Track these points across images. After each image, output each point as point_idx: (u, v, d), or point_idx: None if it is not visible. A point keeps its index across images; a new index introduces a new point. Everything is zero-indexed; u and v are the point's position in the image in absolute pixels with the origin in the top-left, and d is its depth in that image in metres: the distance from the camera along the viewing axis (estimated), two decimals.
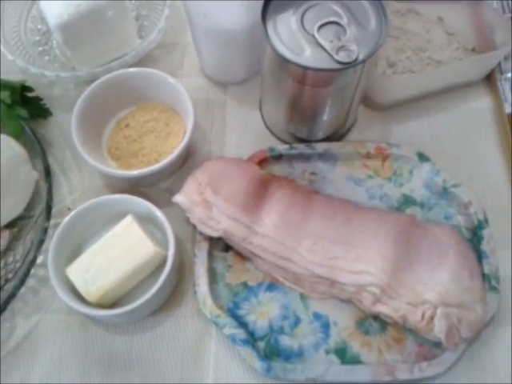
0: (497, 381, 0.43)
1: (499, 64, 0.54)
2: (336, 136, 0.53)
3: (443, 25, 0.58)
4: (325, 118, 0.49)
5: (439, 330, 0.41)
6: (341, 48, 0.41)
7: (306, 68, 0.41)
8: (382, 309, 0.43)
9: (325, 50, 0.41)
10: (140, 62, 0.55)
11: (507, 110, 0.52)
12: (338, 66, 0.41)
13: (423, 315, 0.42)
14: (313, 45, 0.42)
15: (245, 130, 0.54)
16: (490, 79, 0.56)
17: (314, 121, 0.49)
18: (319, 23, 0.42)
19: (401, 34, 0.57)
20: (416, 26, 0.57)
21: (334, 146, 0.51)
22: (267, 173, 0.50)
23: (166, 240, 0.44)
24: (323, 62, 0.41)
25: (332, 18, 0.43)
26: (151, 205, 0.44)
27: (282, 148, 0.51)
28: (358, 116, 0.55)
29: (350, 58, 0.41)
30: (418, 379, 0.42)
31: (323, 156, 0.51)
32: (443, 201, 0.50)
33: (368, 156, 0.51)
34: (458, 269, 0.43)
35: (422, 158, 0.51)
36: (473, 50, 0.56)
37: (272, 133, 0.54)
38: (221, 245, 0.48)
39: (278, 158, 0.51)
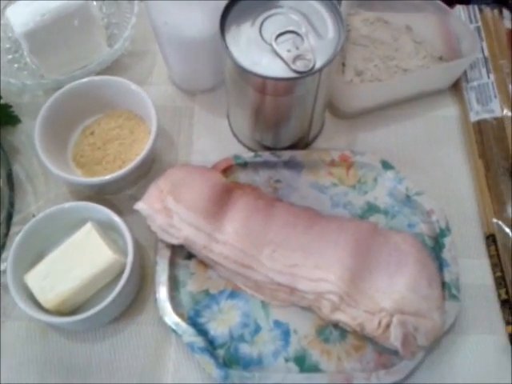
0: None
1: (465, 73, 0.55)
2: (302, 144, 0.53)
3: (411, 33, 0.58)
4: (288, 125, 0.49)
5: (395, 338, 0.41)
6: (298, 57, 0.42)
7: (261, 77, 0.41)
8: (340, 317, 0.43)
9: (282, 59, 0.42)
10: (109, 70, 0.56)
11: (472, 118, 0.53)
12: (294, 75, 0.41)
13: (380, 323, 0.42)
14: (271, 54, 0.42)
15: (212, 138, 0.54)
16: (456, 88, 0.56)
17: (277, 129, 0.50)
18: (277, 33, 0.43)
19: (369, 43, 0.57)
20: (384, 35, 0.58)
21: (298, 154, 0.51)
22: (231, 180, 0.51)
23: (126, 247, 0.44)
24: (280, 72, 0.41)
25: (290, 28, 0.43)
26: (111, 212, 0.45)
27: (246, 156, 0.51)
28: (325, 124, 0.55)
29: (307, 67, 0.41)
30: None
31: (288, 164, 0.52)
32: (406, 209, 0.50)
33: (333, 164, 0.52)
34: (416, 277, 0.43)
35: (386, 166, 0.51)
36: (440, 58, 0.57)
37: (239, 140, 0.54)
38: (184, 252, 0.48)
39: (244, 165, 0.51)
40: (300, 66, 0.41)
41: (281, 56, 0.42)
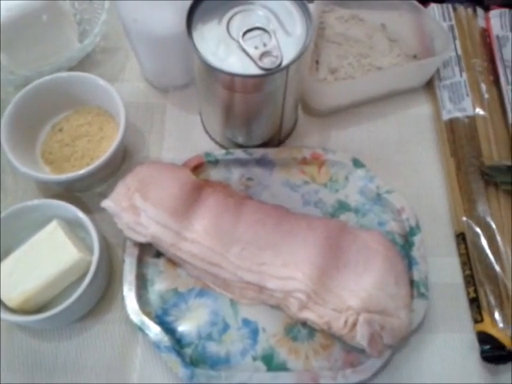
0: None
1: (438, 71, 0.55)
2: (274, 141, 0.53)
3: (386, 31, 0.58)
4: (259, 123, 0.49)
5: (361, 336, 0.41)
6: (265, 54, 0.41)
7: (228, 74, 0.41)
8: (308, 315, 0.43)
9: (249, 56, 0.41)
10: (82, 67, 0.55)
11: (444, 116, 0.53)
12: (260, 72, 0.41)
13: (346, 322, 0.41)
14: (238, 51, 0.42)
15: (184, 135, 0.54)
16: (430, 86, 0.56)
17: (248, 126, 0.49)
18: (244, 29, 0.42)
19: (343, 41, 0.57)
20: (359, 33, 0.58)
21: (270, 152, 0.51)
22: (202, 178, 0.51)
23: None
24: (248, 69, 0.41)
25: (258, 24, 0.43)
26: (77, 209, 0.44)
27: (218, 153, 0.51)
28: (298, 122, 0.55)
29: (274, 64, 0.41)
30: None
31: (260, 161, 0.51)
32: (377, 207, 0.50)
33: (304, 162, 0.51)
34: (384, 275, 0.43)
35: (357, 164, 0.51)
36: (414, 56, 0.57)
37: (211, 138, 0.54)
38: (153, 251, 0.47)
39: (215, 163, 0.51)
40: (267, 62, 0.41)
41: (248, 53, 0.41)
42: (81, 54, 0.53)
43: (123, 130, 0.47)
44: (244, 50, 0.42)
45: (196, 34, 0.42)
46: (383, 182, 0.50)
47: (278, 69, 0.41)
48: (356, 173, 0.51)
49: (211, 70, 0.42)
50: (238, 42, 0.42)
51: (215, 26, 0.43)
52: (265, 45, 0.42)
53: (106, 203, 0.45)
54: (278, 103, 0.46)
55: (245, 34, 0.42)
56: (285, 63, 0.41)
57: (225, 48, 0.42)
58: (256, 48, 0.42)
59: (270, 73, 0.41)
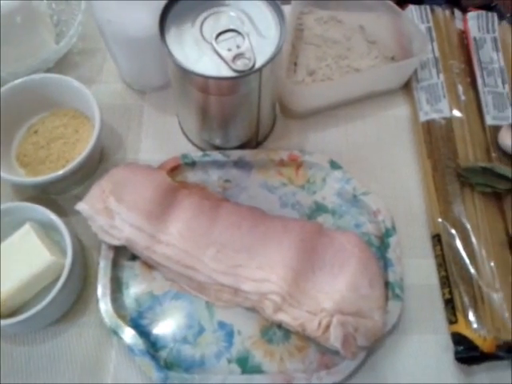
0: None
1: (416, 73, 0.55)
2: (252, 143, 0.53)
3: (364, 33, 0.58)
4: (235, 125, 0.49)
5: (335, 338, 0.41)
6: (238, 56, 0.41)
7: (201, 77, 0.41)
8: (282, 317, 0.43)
9: (222, 58, 0.41)
10: (59, 68, 0.55)
11: (421, 118, 0.53)
12: (233, 75, 0.41)
13: (320, 324, 0.41)
14: (212, 53, 0.42)
15: (161, 137, 0.54)
16: (408, 88, 0.56)
17: (225, 128, 0.49)
18: (218, 31, 0.42)
19: (322, 42, 0.57)
20: (337, 34, 0.58)
21: (247, 154, 0.51)
22: (179, 180, 0.50)
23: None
24: (220, 71, 0.41)
25: (232, 26, 0.43)
26: (50, 212, 0.44)
27: (195, 155, 0.51)
28: (276, 124, 0.55)
29: (246, 66, 0.41)
30: None
31: (237, 163, 0.51)
32: (354, 208, 0.50)
33: (282, 164, 0.51)
34: (358, 277, 0.43)
35: (334, 165, 0.51)
36: (392, 58, 0.57)
37: (189, 140, 0.54)
38: (128, 253, 0.47)
39: (192, 165, 0.51)
40: (240, 65, 0.41)
41: (220, 55, 0.41)
42: (57, 56, 0.52)
43: (98, 131, 0.46)
44: (217, 52, 0.42)
45: (169, 36, 0.42)
46: (360, 183, 0.50)
47: (251, 71, 0.41)
48: (333, 174, 0.51)
49: (185, 73, 0.42)
50: (211, 44, 0.42)
51: (189, 28, 0.43)
52: (238, 47, 0.42)
53: (81, 206, 0.45)
54: (253, 105, 0.46)
55: (218, 36, 0.42)
56: (258, 65, 0.41)
57: (198, 50, 0.42)
58: (229, 50, 0.42)
59: (242, 75, 0.41)
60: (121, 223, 0.45)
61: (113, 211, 0.45)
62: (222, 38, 0.42)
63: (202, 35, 0.42)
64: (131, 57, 0.50)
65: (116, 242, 0.45)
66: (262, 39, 0.43)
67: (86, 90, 0.48)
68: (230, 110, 0.46)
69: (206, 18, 0.43)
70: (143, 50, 0.48)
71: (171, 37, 0.42)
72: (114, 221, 0.45)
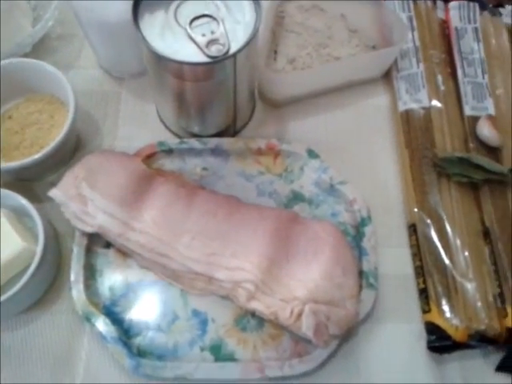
0: (370, 379, 0.43)
1: (396, 62, 0.55)
2: (230, 131, 0.52)
3: (346, 22, 0.57)
4: (212, 112, 0.48)
5: (307, 327, 0.41)
6: (212, 42, 0.41)
7: (175, 62, 0.40)
8: (255, 305, 0.43)
9: (196, 44, 0.41)
10: (37, 53, 0.55)
11: (400, 108, 0.53)
12: (206, 60, 0.40)
13: (292, 312, 0.41)
14: (186, 39, 0.41)
15: (139, 124, 0.53)
16: (388, 77, 0.56)
17: (201, 115, 0.49)
18: (192, 17, 0.42)
19: (303, 30, 0.57)
20: (318, 22, 0.57)
21: (225, 142, 0.51)
22: (156, 167, 0.50)
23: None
24: (194, 57, 0.41)
25: (206, 12, 0.42)
26: (22, 198, 0.43)
27: (171, 142, 0.50)
28: (255, 112, 0.54)
29: (220, 52, 0.40)
30: (288, 376, 0.42)
31: (215, 151, 0.51)
32: (331, 198, 0.50)
33: (260, 152, 0.51)
34: (331, 265, 0.43)
35: (312, 154, 0.50)
36: (373, 47, 0.56)
37: (166, 127, 0.53)
38: (103, 241, 0.47)
39: (169, 152, 0.51)
40: (214, 50, 0.41)
41: (194, 40, 0.41)
42: (32, 40, 0.51)
43: (72, 117, 0.46)
44: (191, 38, 0.41)
45: (143, 22, 0.42)
46: (338, 172, 0.50)
47: (225, 57, 0.40)
48: (311, 163, 0.50)
49: (159, 59, 0.42)
50: (186, 29, 0.41)
51: (163, 13, 0.42)
52: (213, 32, 0.41)
53: (53, 192, 0.45)
54: (229, 92, 0.46)
55: (192, 21, 0.42)
56: (232, 51, 0.41)
57: (172, 36, 0.42)
58: (203, 36, 0.41)
59: (215, 61, 0.40)
60: (94, 210, 0.44)
61: (86, 198, 0.44)
62: (196, 23, 0.42)
63: (177, 20, 0.42)
64: (108, 42, 0.49)
65: (89, 229, 0.44)
66: (237, 25, 0.42)
67: (61, 75, 0.47)
68: (206, 97, 0.46)
69: (180, 3, 0.42)
70: (119, 36, 0.48)
71: (145, 22, 0.42)
72: (86, 207, 0.44)
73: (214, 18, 0.42)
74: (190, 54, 0.41)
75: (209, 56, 0.40)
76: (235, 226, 0.45)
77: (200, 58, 0.41)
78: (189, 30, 0.41)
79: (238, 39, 0.41)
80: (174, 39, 0.41)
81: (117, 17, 0.45)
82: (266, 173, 0.51)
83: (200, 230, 0.45)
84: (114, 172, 0.46)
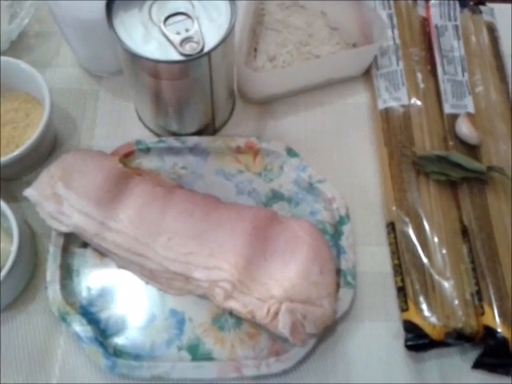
0: (348, 377, 0.43)
1: (376, 60, 0.55)
2: (209, 130, 0.52)
3: (326, 19, 0.57)
4: (189, 110, 0.48)
5: (283, 325, 0.41)
6: (186, 40, 0.41)
7: (149, 61, 0.40)
8: (232, 304, 0.43)
9: (170, 42, 0.41)
10: (14, 51, 0.54)
11: (380, 106, 0.53)
12: (180, 59, 0.40)
13: (268, 311, 0.41)
14: (160, 37, 0.41)
15: (117, 122, 0.53)
16: (368, 75, 0.56)
17: (179, 114, 0.48)
18: (167, 15, 0.41)
19: (283, 28, 0.56)
20: (299, 20, 0.57)
21: (204, 140, 0.50)
22: (134, 166, 0.50)
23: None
24: (169, 55, 0.40)
25: (181, 10, 0.42)
26: None
27: (149, 141, 0.50)
28: (235, 110, 0.54)
29: (194, 50, 0.40)
30: (265, 375, 0.42)
31: (193, 150, 0.51)
32: (310, 196, 0.50)
33: (239, 151, 0.51)
34: (308, 264, 0.43)
35: (291, 153, 0.50)
36: (354, 45, 0.56)
37: (145, 125, 0.53)
38: (80, 240, 0.46)
39: (147, 151, 0.50)
40: (188, 49, 0.40)
41: (169, 38, 0.41)
42: (8, 37, 0.51)
43: (47, 115, 0.45)
44: (165, 36, 0.41)
45: (117, 20, 0.41)
46: (316, 171, 0.50)
47: (199, 55, 0.40)
48: (290, 162, 0.50)
49: (133, 57, 0.41)
50: (160, 27, 0.41)
51: (137, 11, 0.42)
52: (187, 30, 0.41)
53: (28, 192, 0.44)
54: (205, 90, 0.45)
55: (167, 19, 0.41)
56: (207, 49, 0.40)
57: (146, 34, 0.41)
58: (178, 34, 0.41)
59: (189, 59, 0.40)
60: (69, 209, 0.44)
61: (61, 197, 0.44)
62: (170, 21, 0.41)
63: (151, 18, 0.42)
64: (84, 41, 0.49)
65: (64, 229, 0.44)
66: (212, 23, 0.42)
67: (37, 74, 0.47)
68: (183, 95, 0.45)
69: (154, 1, 0.42)
70: (96, 34, 0.47)
71: (119, 21, 0.41)
72: (62, 207, 0.44)
73: (189, 16, 0.42)
74: (164, 52, 0.40)
75: (183, 54, 0.40)
76: (213, 225, 0.45)
77: (174, 56, 0.41)
78: (163, 28, 0.41)
79: (213, 37, 0.41)
80: (149, 37, 0.41)
81: (92, 15, 0.45)
82: (246, 171, 0.51)
83: (177, 230, 0.45)
84: (90, 171, 0.45)
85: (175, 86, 0.44)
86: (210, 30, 0.41)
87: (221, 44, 0.40)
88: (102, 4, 0.42)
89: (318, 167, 0.50)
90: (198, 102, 0.47)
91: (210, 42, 0.41)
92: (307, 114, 0.54)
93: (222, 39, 0.40)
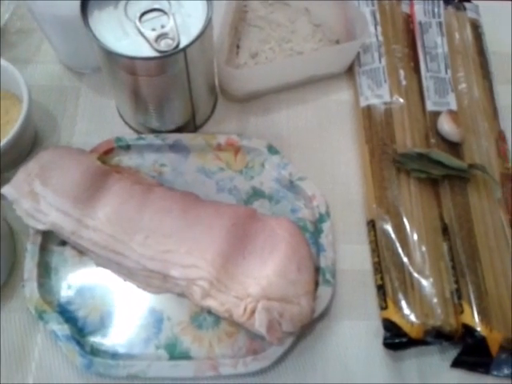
0: (326, 376, 0.43)
1: (359, 57, 0.54)
2: (190, 127, 0.52)
3: (309, 16, 0.57)
4: (168, 107, 0.47)
5: (259, 324, 0.40)
6: (162, 36, 0.40)
7: (123, 57, 0.40)
8: (210, 303, 0.42)
9: (145, 38, 0.40)
10: None
11: (362, 103, 0.52)
12: (155, 55, 0.40)
13: (245, 309, 0.41)
14: (136, 34, 0.41)
15: (98, 119, 0.52)
16: (351, 72, 0.55)
17: (158, 111, 0.48)
18: (142, 11, 0.41)
19: (265, 25, 0.56)
20: (282, 17, 0.57)
21: (184, 138, 0.50)
22: (114, 164, 0.50)
23: None
24: (144, 51, 0.40)
25: (157, 6, 0.41)
26: None
27: (129, 138, 0.50)
28: (217, 108, 0.54)
29: (169, 46, 0.40)
30: (242, 374, 0.42)
31: (174, 147, 0.50)
32: (290, 194, 0.49)
33: (220, 148, 0.51)
34: (286, 262, 0.43)
35: (272, 150, 0.50)
36: (337, 42, 0.56)
37: (126, 123, 0.52)
38: (58, 239, 0.46)
39: (127, 148, 0.50)
40: (163, 45, 0.40)
41: (144, 35, 0.40)
42: None
43: (26, 112, 0.45)
44: (140, 32, 0.40)
45: (92, 17, 0.41)
46: (297, 168, 0.49)
47: (174, 51, 0.40)
48: (271, 160, 0.50)
49: (108, 54, 0.41)
50: (135, 23, 0.41)
51: (112, 8, 0.42)
52: (163, 26, 0.41)
53: (6, 189, 0.44)
54: (184, 86, 0.45)
55: (142, 15, 0.41)
56: (182, 45, 0.40)
57: (122, 31, 0.41)
58: (153, 30, 0.41)
59: (164, 55, 0.40)
60: (46, 207, 0.44)
61: (38, 195, 0.44)
62: (146, 17, 0.41)
63: (126, 15, 0.41)
64: (63, 37, 0.49)
65: (41, 227, 0.44)
66: (188, 19, 0.42)
67: (15, 70, 0.46)
68: (161, 92, 0.45)
69: None
70: (75, 30, 0.47)
71: (94, 17, 0.41)
72: (39, 205, 0.44)
73: (165, 12, 0.41)
74: (139, 48, 0.40)
75: (158, 51, 0.40)
76: (191, 223, 0.45)
77: (150, 52, 0.40)
78: (138, 25, 0.40)
79: (189, 34, 0.41)
80: (124, 34, 0.41)
81: (70, 12, 0.44)
82: (227, 169, 0.50)
83: (154, 228, 0.44)
84: (68, 168, 0.45)
85: (152, 82, 0.44)
86: (186, 26, 0.41)
87: (196, 40, 0.40)
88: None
89: (299, 165, 0.50)
90: (176, 98, 0.46)
91: (186, 38, 0.41)
92: (290, 112, 0.54)
93: (198, 35, 0.40)
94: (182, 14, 0.42)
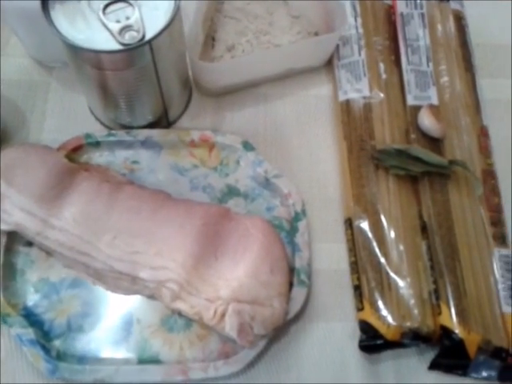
0: (300, 379, 0.42)
1: (338, 50, 0.53)
2: (163, 123, 0.50)
3: (288, 7, 0.55)
4: (138, 102, 0.46)
5: (230, 327, 0.39)
6: (126, 29, 0.39)
7: (85, 51, 0.38)
8: (180, 305, 0.41)
9: (109, 31, 0.39)
10: None
11: (340, 97, 0.51)
12: (118, 48, 0.38)
13: (215, 312, 0.40)
14: (100, 26, 0.39)
15: (68, 115, 0.51)
16: (330, 66, 0.54)
17: (128, 106, 0.46)
18: (106, 2, 0.39)
19: (242, 16, 0.54)
20: (259, 8, 0.55)
21: (156, 134, 0.48)
22: (84, 161, 0.48)
23: None
24: (108, 44, 0.38)
25: None
26: None
27: (99, 135, 0.48)
28: (191, 102, 0.52)
29: (134, 39, 0.38)
30: (213, 378, 0.41)
31: (145, 144, 0.49)
32: (266, 191, 0.48)
33: (194, 144, 0.49)
34: (258, 263, 0.41)
35: (248, 147, 0.48)
36: (316, 34, 0.54)
37: (97, 119, 0.51)
38: (24, 239, 0.45)
39: (96, 145, 0.48)
40: (127, 37, 0.38)
41: (107, 27, 0.39)
42: None
43: None
44: (104, 24, 0.39)
45: (55, 10, 0.40)
46: (274, 165, 0.48)
47: (138, 44, 0.38)
48: (246, 156, 0.48)
49: (71, 48, 0.39)
50: (98, 15, 0.39)
51: None
52: (127, 18, 0.39)
53: None
54: (152, 80, 0.43)
55: (107, 7, 0.39)
56: (147, 38, 0.38)
57: (85, 23, 0.39)
58: (118, 22, 0.39)
59: (128, 48, 0.38)
60: (10, 207, 0.42)
61: (2, 194, 0.42)
62: (110, 9, 0.39)
63: (90, 6, 0.40)
64: (30, 30, 0.47)
65: (5, 227, 0.42)
66: (155, 11, 0.40)
67: None
68: (129, 86, 0.43)
69: None
70: (40, 23, 0.45)
71: (56, 10, 0.40)
72: (3, 204, 0.42)
73: (130, 4, 0.40)
74: (103, 41, 0.39)
75: (122, 43, 0.38)
76: (161, 222, 0.43)
77: (115, 46, 0.39)
78: (101, 16, 0.39)
79: (156, 26, 0.39)
80: (88, 26, 0.39)
81: (34, 3, 0.42)
82: (201, 166, 0.49)
83: (123, 228, 0.43)
84: (33, 167, 0.43)
85: (120, 76, 0.42)
86: (153, 19, 0.40)
87: (162, 32, 0.39)
88: None
89: (276, 161, 0.49)
90: (145, 93, 0.45)
91: (152, 30, 0.39)
92: (267, 106, 0.52)
93: (164, 27, 0.39)
94: (150, 6, 0.40)
